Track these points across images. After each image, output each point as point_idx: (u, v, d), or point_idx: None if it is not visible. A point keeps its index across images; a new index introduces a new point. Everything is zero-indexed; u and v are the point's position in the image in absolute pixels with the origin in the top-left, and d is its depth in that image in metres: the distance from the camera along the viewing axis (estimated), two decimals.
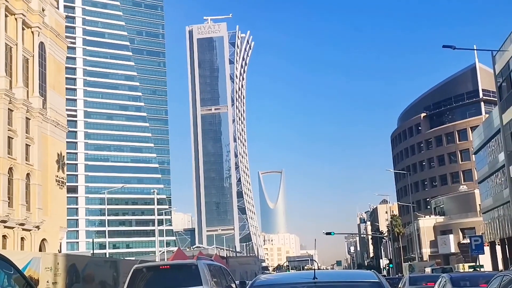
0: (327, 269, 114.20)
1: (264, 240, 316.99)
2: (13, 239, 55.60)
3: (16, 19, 61.04)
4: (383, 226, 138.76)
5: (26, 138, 60.14)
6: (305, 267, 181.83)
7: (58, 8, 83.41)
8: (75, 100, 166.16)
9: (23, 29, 62.29)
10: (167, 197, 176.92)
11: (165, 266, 16.19)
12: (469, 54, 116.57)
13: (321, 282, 6.41)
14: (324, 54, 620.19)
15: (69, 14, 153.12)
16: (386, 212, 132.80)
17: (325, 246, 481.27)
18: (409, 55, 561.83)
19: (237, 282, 17.61)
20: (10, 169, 56.80)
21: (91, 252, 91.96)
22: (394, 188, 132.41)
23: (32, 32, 64.44)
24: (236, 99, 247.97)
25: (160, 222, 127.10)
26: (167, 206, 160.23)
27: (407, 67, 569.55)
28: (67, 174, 77.29)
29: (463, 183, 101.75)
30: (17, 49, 60.69)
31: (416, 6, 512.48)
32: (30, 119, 61.65)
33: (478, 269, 42.51)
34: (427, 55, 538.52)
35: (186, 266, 15.50)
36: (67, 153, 78.98)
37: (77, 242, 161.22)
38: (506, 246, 55.39)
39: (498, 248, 59.45)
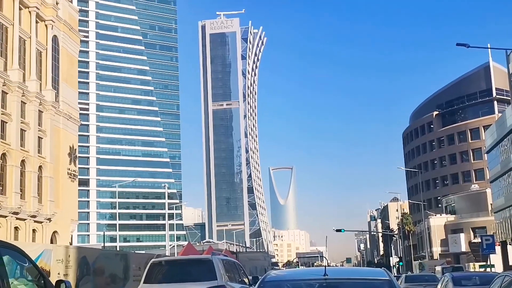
0: (336, 266, 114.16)
1: (274, 236, 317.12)
2: (24, 231, 56.02)
3: (30, 12, 61.36)
4: (393, 224, 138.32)
5: (38, 130, 60.51)
6: (315, 264, 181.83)
7: (71, 1, 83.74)
8: (88, 93, 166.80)
9: (36, 22, 62.61)
10: (177, 191, 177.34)
11: (181, 261, 16.79)
12: (483, 52, 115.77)
13: (331, 279, 6.40)
14: (336, 51, 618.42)
15: (83, 8, 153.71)
16: (397, 210, 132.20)
17: (335, 243, 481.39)
18: (422, 52, 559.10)
19: (250, 277, 17.79)
20: (23, 161, 57.18)
21: (102, 245, 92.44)
22: (405, 186, 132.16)
23: (46, 25, 64.76)
24: (248, 95, 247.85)
25: (171, 217, 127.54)
26: (177, 201, 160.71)
27: (420, 65, 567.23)
28: (79, 167, 77.64)
29: (474, 182, 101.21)
30: (31, 42, 61.02)
31: (428, 4, 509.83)
32: (42, 112, 62.00)
33: (489, 268, 42.37)
34: (440, 53, 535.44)
35: (201, 261, 15.83)
36: (79, 146, 79.29)
37: (88, 235, 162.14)
38: None
39: (510, 248, 59.20)
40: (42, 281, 8.10)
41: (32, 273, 8.08)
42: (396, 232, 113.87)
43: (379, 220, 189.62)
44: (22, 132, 57.73)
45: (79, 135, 78.03)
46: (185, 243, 73.78)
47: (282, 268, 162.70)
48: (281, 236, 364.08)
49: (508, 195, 56.29)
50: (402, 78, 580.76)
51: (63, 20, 69.14)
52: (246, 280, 17.15)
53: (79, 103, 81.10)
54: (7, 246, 7.75)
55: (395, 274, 70.67)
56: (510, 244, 58.53)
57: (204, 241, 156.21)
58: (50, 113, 63.09)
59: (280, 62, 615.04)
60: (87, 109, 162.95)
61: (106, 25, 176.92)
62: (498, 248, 55.57)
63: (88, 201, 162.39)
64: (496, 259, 55.72)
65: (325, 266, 6.76)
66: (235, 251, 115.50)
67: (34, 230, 58.43)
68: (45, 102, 62.00)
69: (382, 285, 6.54)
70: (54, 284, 8.11)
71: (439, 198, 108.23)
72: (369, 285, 6.69)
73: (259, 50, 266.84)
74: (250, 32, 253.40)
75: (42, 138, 61.47)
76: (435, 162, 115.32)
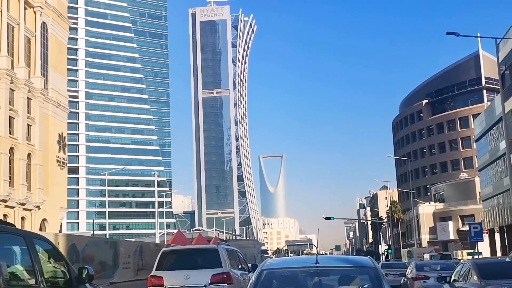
0: (325, 253, 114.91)
1: (263, 224, 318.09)
2: (13, 219, 55.82)
3: None
4: (382, 212, 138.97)
5: (27, 118, 60.20)
6: (304, 252, 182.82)
7: None
8: (77, 81, 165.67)
9: (25, 8, 62.10)
10: (167, 179, 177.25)
11: (189, 250, 18.38)
12: (472, 42, 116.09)
13: (322, 267, 7.11)
14: (328, 39, 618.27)
15: None
16: (386, 198, 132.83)
17: (325, 230, 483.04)
18: (413, 41, 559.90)
19: (249, 265, 19.17)
20: (11, 148, 56.92)
21: (91, 232, 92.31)
22: (394, 174, 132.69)
23: (34, 11, 64.23)
24: (238, 83, 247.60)
25: (160, 204, 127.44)
26: (167, 189, 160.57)
27: (411, 54, 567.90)
28: (68, 155, 77.38)
29: (463, 170, 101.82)
30: (19, 29, 60.56)
31: None
32: (31, 99, 61.64)
33: (477, 256, 42.81)
34: (430, 42, 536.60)
35: (207, 250, 17.34)
36: (68, 134, 78.97)
37: (77, 223, 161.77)
38: (505, 233, 55.66)
39: (497, 236, 59.72)
40: (67, 268, 8.86)
41: (59, 260, 8.90)
42: (385, 220, 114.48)
43: (368, 208, 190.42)
44: (10, 119, 57.42)
45: (68, 122, 77.70)
46: (175, 231, 73.88)
47: (272, 256, 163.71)
48: (271, 224, 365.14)
49: (496, 183, 56.71)
50: (393, 67, 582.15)
51: (52, 6, 68.58)
52: (245, 266, 18.42)
53: (69, 90, 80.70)
54: (38, 236, 8.65)
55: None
56: (497, 232, 59.04)
57: (193, 229, 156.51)
58: (39, 100, 62.74)
59: (270, 50, 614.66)
60: (77, 97, 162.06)
61: (96, 12, 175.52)
62: (486, 236, 56.06)
63: (78, 189, 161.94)
64: (484, 246, 56.24)
65: (316, 254, 7.37)
66: (224, 239, 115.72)
67: (23, 218, 58.29)
68: (34, 89, 61.63)
69: (367, 271, 7.25)
70: (77, 270, 8.82)
71: (428, 186, 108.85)
72: (356, 272, 7.45)
73: (250, 38, 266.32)
74: (241, 20, 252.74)
75: (31, 126, 61.16)
76: (425, 150, 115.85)
